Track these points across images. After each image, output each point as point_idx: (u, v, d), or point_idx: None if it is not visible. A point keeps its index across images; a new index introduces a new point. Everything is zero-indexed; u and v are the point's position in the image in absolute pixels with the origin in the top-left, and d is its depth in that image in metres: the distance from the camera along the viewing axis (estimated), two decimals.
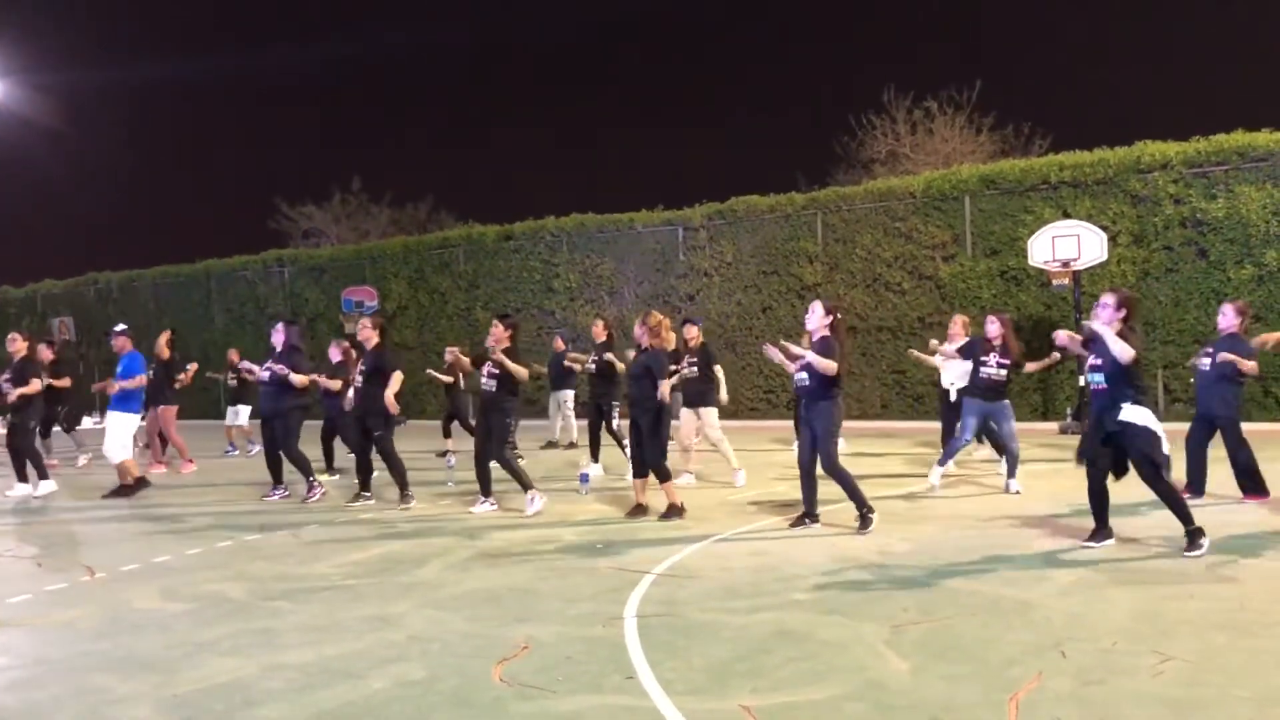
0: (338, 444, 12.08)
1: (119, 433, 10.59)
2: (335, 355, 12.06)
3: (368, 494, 9.81)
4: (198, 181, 53.94)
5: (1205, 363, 8.49)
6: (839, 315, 7.83)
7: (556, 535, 7.77)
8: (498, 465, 8.89)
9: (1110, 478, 6.77)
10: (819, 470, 7.73)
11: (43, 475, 11.07)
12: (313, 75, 62.74)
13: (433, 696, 4.17)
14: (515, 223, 22.58)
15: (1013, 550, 6.71)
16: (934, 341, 10.98)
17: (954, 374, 10.50)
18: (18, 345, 11.02)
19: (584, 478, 10.10)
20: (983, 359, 9.30)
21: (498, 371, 8.77)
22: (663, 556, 6.79)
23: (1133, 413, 6.43)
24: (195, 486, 11.39)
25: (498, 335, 8.86)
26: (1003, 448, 9.55)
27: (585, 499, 9.60)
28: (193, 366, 14.35)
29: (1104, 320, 6.55)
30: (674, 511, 8.29)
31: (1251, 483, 8.39)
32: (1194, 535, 6.41)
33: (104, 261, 31.64)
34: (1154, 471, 6.43)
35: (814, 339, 7.81)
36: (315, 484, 10.06)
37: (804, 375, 7.69)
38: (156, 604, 5.93)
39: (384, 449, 9.52)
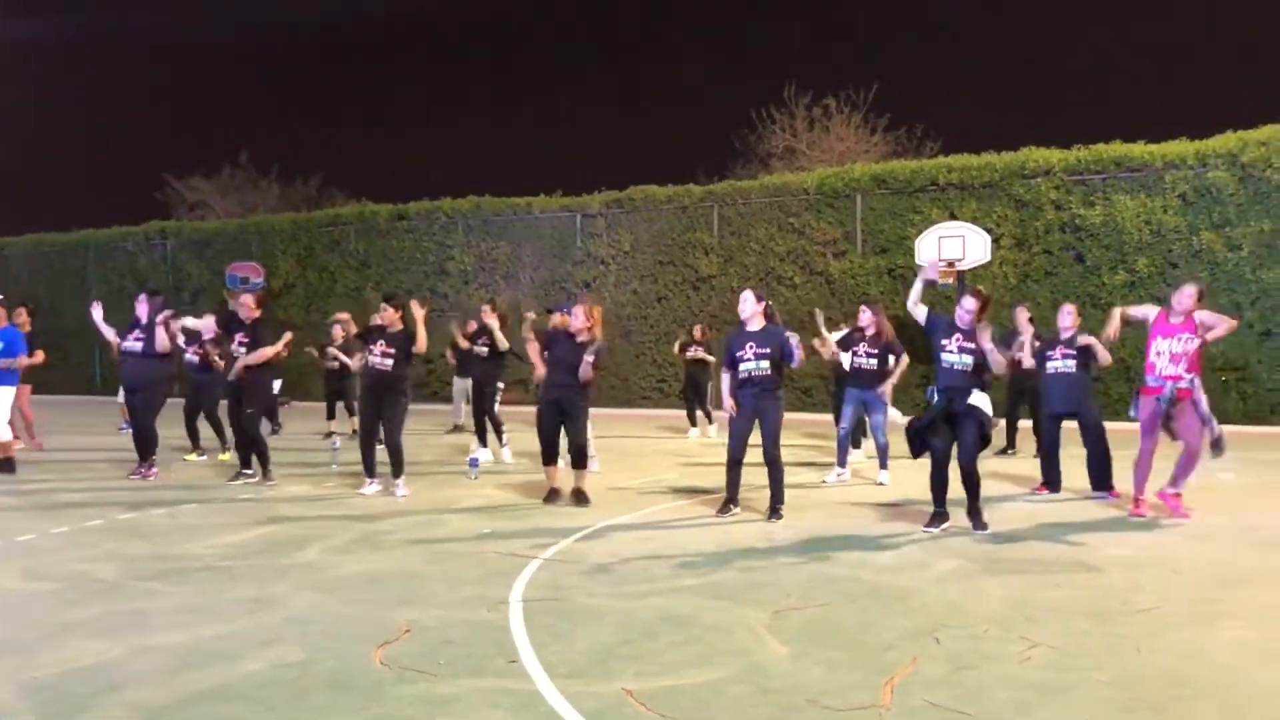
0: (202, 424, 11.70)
1: (2, 408, 10.10)
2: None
3: (249, 471, 9.55)
4: (78, 148, 51.40)
5: (1070, 363, 8.72)
6: (770, 303, 8.04)
7: (443, 519, 7.68)
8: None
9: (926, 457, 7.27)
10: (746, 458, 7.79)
11: None
12: (205, 44, 60.47)
13: (309, 679, 4.08)
14: (410, 203, 22.21)
15: (894, 539, 6.89)
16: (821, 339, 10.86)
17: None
18: None
19: (473, 462, 10.00)
20: (854, 349, 9.70)
21: (393, 351, 8.63)
22: (551, 541, 6.77)
23: (981, 398, 7.06)
24: (65, 463, 10.92)
25: (388, 318, 8.74)
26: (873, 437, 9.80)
27: (475, 483, 9.51)
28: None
29: (966, 323, 7.12)
30: (584, 498, 8.28)
31: (1103, 479, 8.61)
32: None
33: None
34: (977, 451, 7.07)
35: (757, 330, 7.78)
36: (154, 465, 9.81)
37: (765, 365, 7.62)
38: (18, 584, 5.67)
39: (247, 426, 9.31)
